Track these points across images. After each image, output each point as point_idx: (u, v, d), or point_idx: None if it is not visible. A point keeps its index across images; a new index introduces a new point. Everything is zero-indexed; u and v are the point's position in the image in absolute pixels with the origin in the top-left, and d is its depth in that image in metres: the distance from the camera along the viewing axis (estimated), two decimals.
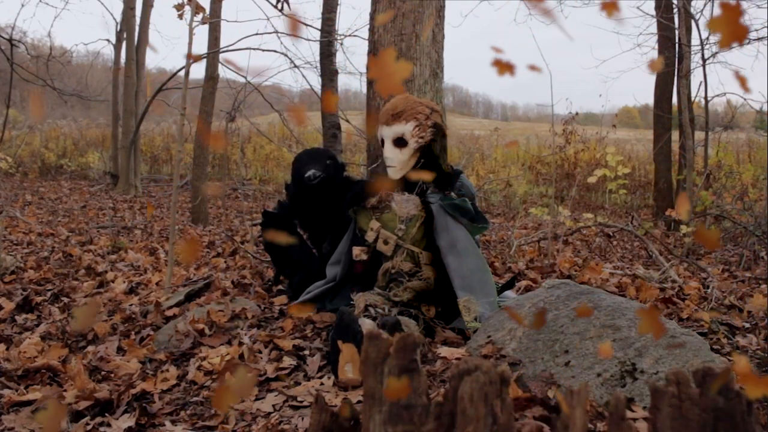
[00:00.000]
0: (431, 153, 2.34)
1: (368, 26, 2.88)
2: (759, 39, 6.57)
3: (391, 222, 2.31)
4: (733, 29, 0.61)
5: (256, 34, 5.19)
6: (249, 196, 9.11)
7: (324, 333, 2.21)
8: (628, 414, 1.44)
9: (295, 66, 5.08)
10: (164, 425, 1.57)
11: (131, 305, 2.61)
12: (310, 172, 2.49)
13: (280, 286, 2.86)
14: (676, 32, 6.49)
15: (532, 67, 0.85)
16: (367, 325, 1.92)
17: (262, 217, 2.77)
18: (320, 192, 2.55)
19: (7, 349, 2.11)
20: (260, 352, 2.02)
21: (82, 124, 16.00)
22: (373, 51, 2.80)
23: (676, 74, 6.58)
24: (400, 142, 2.31)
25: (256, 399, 1.69)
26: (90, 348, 2.13)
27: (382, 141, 2.35)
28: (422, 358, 1.67)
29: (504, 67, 0.79)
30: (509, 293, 2.42)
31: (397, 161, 2.31)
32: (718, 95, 7.06)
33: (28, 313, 2.59)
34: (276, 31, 4.58)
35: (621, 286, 2.87)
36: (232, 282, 2.95)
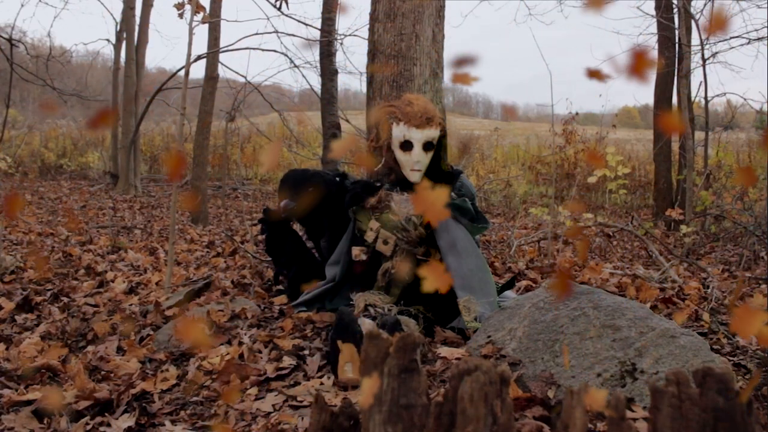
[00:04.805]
0: (437, 154, 2.39)
1: (368, 26, 2.88)
2: (759, 39, 6.56)
3: (390, 222, 2.31)
4: None
5: (256, 33, 5.20)
6: (249, 196, 9.11)
7: (324, 333, 2.21)
8: (628, 414, 1.44)
9: (295, 66, 5.10)
10: (164, 425, 1.57)
11: (131, 305, 2.61)
12: (284, 203, 2.46)
13: (279, 286, 2.86)
14: (676, 32, 6.48)
15: None
16: (366, 324, 1.92)
17: (263, 214, 2.77)
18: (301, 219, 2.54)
19: (7, 349, 2.11)
20: (260, 352, 2.02)
21: (81, 124, 15.97)
22: (373, 51, 2.80)
23: (676, 74, 6.57)
24: (428, 146, 2.33)
25: (256, 399, 1.69)
26: (90, 348, 2.13)
27: (407, 143, 2.32)
28: (422, 358, 1.67)
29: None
30: (509, 293, 2.42)
31: (424, 165, 2.34)
32: (718, 95, 7.04)
33: (28, 313, 2.59)
34: (276, 31, 4.60)
35: (621, 286, 2.87)
36: (232, 282, 2.95)
